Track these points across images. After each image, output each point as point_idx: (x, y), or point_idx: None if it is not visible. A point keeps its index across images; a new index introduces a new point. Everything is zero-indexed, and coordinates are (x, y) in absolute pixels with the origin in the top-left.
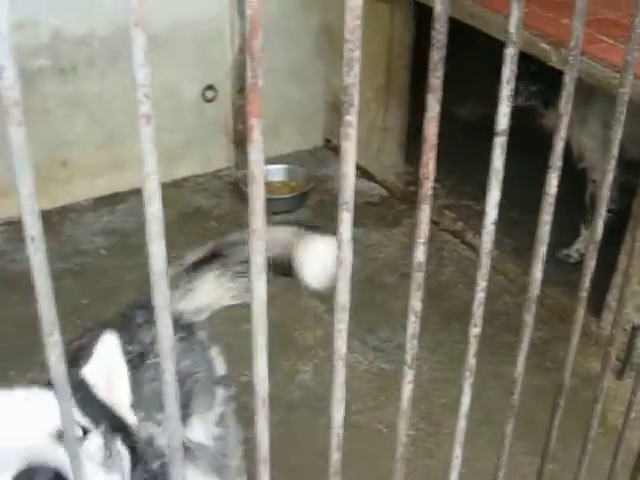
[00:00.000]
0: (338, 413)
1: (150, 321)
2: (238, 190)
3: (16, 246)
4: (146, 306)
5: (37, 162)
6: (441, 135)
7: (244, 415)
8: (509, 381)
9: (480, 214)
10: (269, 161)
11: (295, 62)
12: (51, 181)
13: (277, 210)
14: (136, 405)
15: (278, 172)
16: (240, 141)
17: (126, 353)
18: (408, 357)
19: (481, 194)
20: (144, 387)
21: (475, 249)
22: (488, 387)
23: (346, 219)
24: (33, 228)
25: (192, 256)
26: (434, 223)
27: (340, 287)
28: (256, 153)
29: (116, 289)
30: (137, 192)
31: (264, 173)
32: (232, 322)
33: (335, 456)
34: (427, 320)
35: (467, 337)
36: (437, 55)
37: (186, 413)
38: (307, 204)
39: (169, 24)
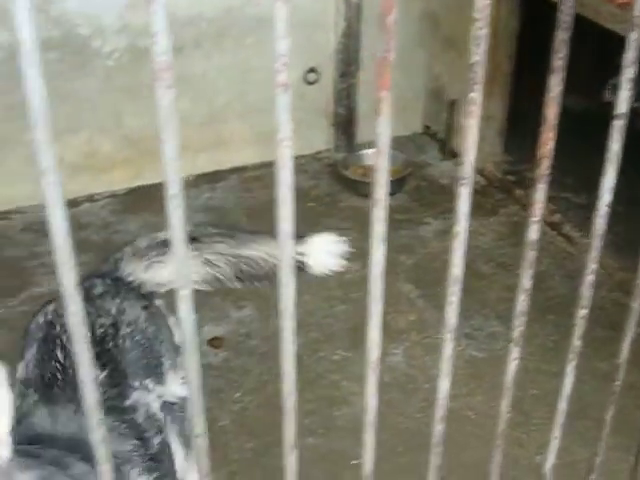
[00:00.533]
0: (444, 384)
1: (110, 291)
2: (337, 173)
3: (120, 218)
4: (103, 275)
5: (143, 137)
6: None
7: (332, 394)
8: (603, 376)
9: (579, 207)
10: (369, 145)
11: (396, 48)
12: (155, 156)
13: None
14: (127, 377)
15: None
16: (340, 124)
17: (99, 326)
18: (515, 334)
19: (581, 187)
20: (127, 357)
21: (572, 242)
22: (582, 381)
23: (464, 194)
24: (174, 188)
25: (163, 235)
26: None
27: (454, 260)
28: (384, 126)
29: None
30: (237, 170)
31: (387, 148)
32: (325, 301)
33: (438, 427)
34: None
35: (561, 329)
36: (561, 36)
37: (160, 372)
38: (405, 189)
39: None
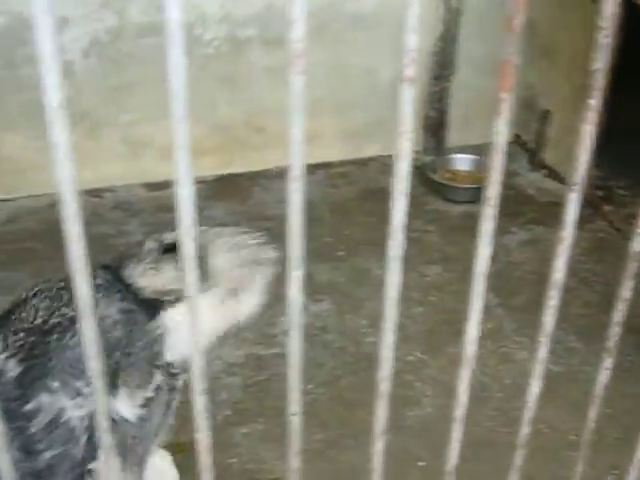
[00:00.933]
0: (535, 387)
1: (102, 285)
2: (424, 175)
3: (207, 204)
4: (109, 269)
5: (235, 126)
6: (633, 143)
7: (405, 394)
8: None
9: None
10: (457, 150)
11: (492, 54)
12: (246, 146)
13: (460, 199)
14: (50, 374)
15: (465, 162)
16: (430, 127)
17: (57, 315)
18: (609, 343)
19: None
20: (65, 353)
21: None
22: None
23: (574, 199)
24: (297, 170)
25: (169, 236)
26: (617, 230)
27: (557, 265)
28: (502, 125)
29: None
30: (324, 166)
31: (504, 147)
32: (403, 302)
33: (525, 429)
34: (601, 328)
35: None
36: None
37: (113, 384)
38: None
39: (377, 5)
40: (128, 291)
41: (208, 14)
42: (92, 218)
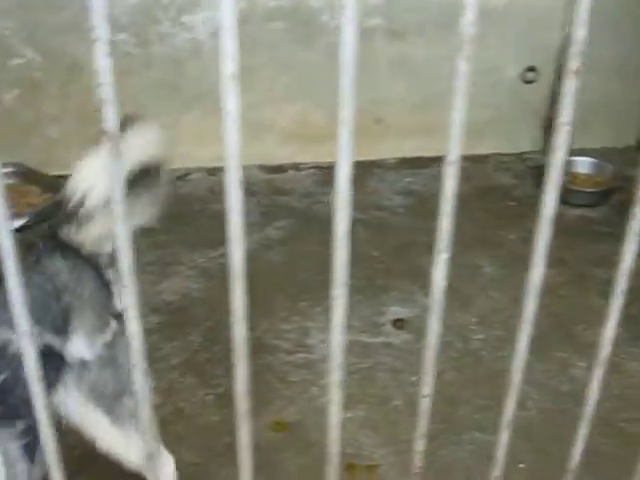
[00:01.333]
0: None
1: (47, 247)
2: (541, 175)
3: (322, 189)
4: (52, 236)
5: (354, 114)
6: None
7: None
8: None
9: None
10: (576, 153)
11: (617, 56)
12: (363, 135)
13: (577, 202)
14: None
15: (584, 165)
16: (549, 127)
17: None
18: None
19: None
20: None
21: None
22: None
23: None
24: (453, 155)
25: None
26: None
27: None
28: None
29: (406, 247)
30: (441, 160)
31: None
32: (513, 301)
33: None
34: None
35: None
36: None
37: (65, 327)
38: (609, 202)
39: (506, 1)
40: (69, 248)
41: (336, 0)
42: (209, 197)
